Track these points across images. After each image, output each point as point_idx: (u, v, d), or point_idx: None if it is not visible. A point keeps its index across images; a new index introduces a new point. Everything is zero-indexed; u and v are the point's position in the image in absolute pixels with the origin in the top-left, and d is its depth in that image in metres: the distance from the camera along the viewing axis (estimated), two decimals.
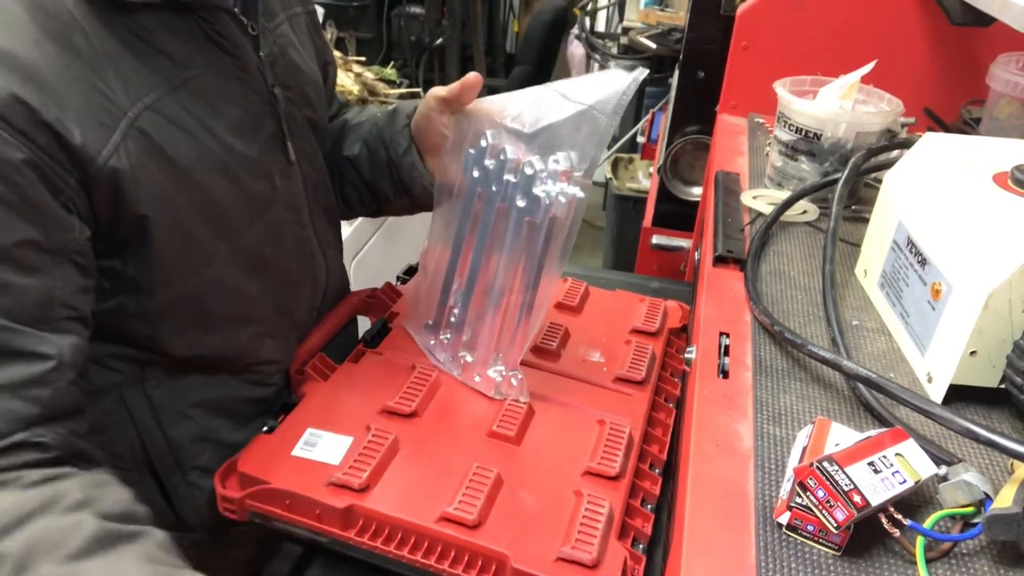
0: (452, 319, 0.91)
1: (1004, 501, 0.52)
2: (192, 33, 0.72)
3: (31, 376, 0.61)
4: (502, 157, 0.81)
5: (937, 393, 0.68)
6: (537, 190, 0.79)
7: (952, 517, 0.55)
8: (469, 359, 0.89)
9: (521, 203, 0.80)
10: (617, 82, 0.76)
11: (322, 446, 0.78)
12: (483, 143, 0.83)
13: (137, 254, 0.71)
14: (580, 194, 0.78)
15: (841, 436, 0.59)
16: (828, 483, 0.52)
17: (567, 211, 0.78)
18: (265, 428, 0.82)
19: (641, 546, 0.73)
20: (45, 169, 0.61)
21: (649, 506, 0.77)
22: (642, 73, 0.77)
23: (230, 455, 0.80)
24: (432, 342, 0.94)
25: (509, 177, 0.81)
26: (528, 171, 0.79)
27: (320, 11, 1.15)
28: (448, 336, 0.92)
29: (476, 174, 0.83)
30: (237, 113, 0.75)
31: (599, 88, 0.77)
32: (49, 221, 0.62)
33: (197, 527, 0.87)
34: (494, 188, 0.83)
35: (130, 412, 0.80)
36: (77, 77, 0.63)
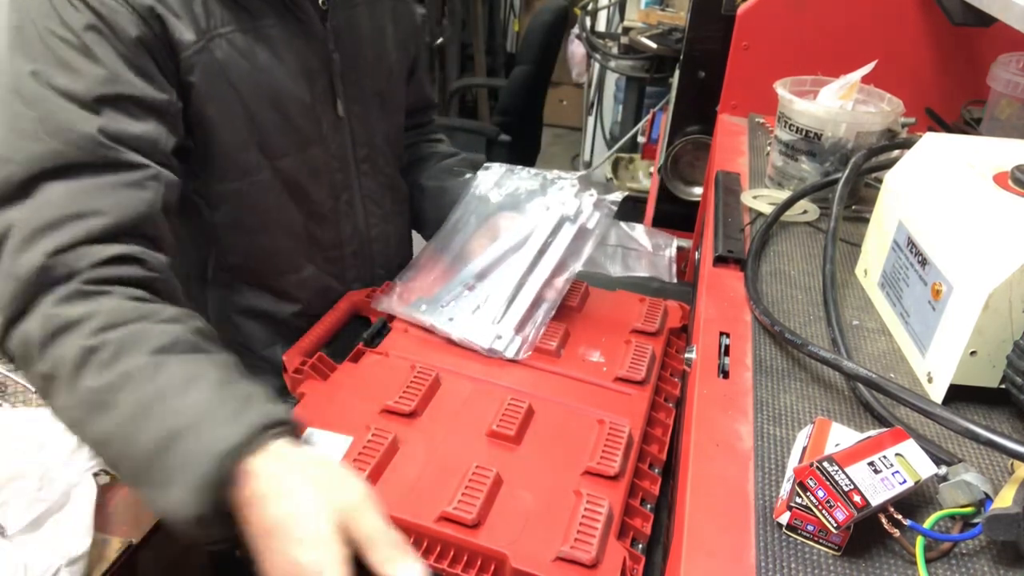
0: (465, 294, 0.98)
1: (1004, 501, 0.52)
2: None
3: (135, 179, 0.77)
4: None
5: (937, 393, 0.68)
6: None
7: (952, 517, 0.55)
8: (467, 316, 0.96)
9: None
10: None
11: (322, 445, 0.78)
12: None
13: (205, 143, 0.88)
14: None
15: (841, 436, 0.59)
16: (828, 483, 0.52)
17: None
18: None
19: (640, 546, 0.73)
20: (153, 46, 0.80)
21: (648, 506, 0.77)
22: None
23: (256, 364, 0.98)
24: (423, 307, 0.99)
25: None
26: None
27: None
28: (451, 304, 0.98)
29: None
30: (295, 63, 0.92)
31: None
32: (155, 84, 0.80)
33: None
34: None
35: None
36: None
